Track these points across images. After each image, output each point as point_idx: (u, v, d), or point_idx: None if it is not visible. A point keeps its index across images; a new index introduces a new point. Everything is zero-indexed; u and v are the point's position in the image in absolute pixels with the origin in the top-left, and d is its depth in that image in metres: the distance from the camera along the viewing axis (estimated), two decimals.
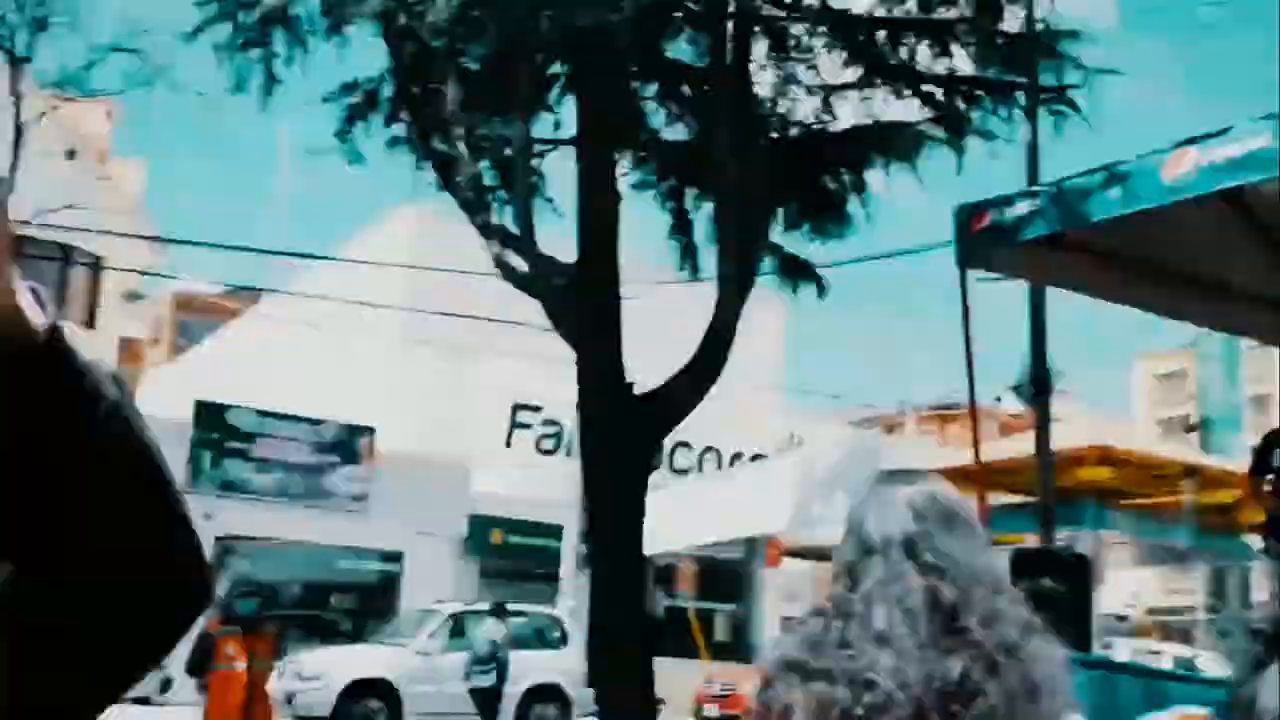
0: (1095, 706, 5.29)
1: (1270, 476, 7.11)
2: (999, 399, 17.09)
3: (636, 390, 9.30)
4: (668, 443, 19.65)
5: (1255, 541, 7.01)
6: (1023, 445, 15.83)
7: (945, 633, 1.62)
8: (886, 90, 9.40)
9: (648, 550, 13.09)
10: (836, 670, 1.61)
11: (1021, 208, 6.43)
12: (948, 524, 1.75)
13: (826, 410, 37.11)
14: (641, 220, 11.06)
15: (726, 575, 25.85)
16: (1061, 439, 21.67)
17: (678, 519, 11.92)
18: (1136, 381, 67.87)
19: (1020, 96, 9.65)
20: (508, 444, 25.96)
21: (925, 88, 9.39)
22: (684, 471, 25.43)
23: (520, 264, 9.47)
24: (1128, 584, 31.43)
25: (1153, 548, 7.54)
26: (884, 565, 1.71)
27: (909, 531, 1.73)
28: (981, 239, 6.69)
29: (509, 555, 23.83)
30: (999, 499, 24.02)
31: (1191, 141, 5.50)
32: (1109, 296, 7.92)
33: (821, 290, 10.55)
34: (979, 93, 9.47)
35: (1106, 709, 5.19)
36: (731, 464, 26.18)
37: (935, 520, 1.75)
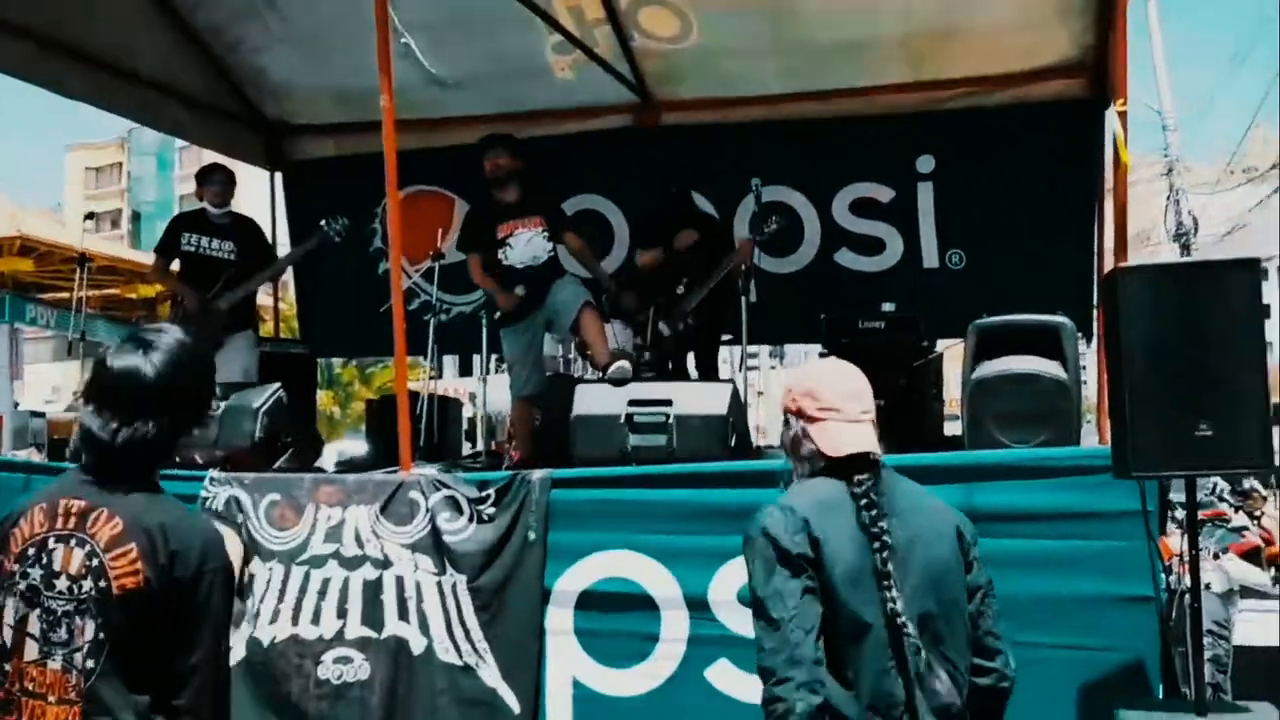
0: None
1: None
2: None
3: None
4: None
5: None
6: None
7: None
8: None
9: None
10: None
11: None
12: None
13: None
14: None
15: None
16: None
17: None
18: (69, 173, 65.82)
19: None
20: None
21: None
22: None
23: None
24: (49, 378, 30.83)
25: (73, 341, 7.45)
26: None
27: None
28: None
29: None
30: None
31: None
32: (25, 75, 7.27)
33: None
34: None
35: None
36: None
37: None
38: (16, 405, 22.32)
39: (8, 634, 2.28)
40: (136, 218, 60.04)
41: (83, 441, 2.33)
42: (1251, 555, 8.46)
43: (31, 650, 2.26)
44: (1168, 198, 22.81)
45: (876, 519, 2.64)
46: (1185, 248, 23.32)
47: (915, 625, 2.61)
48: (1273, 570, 9.05)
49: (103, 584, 2.23)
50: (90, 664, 2.22)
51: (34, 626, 2.26)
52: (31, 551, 2.29)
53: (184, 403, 2.35)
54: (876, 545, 2.62)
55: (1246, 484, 9.13)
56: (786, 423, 2.87)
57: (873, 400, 2.84)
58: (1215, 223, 26.98)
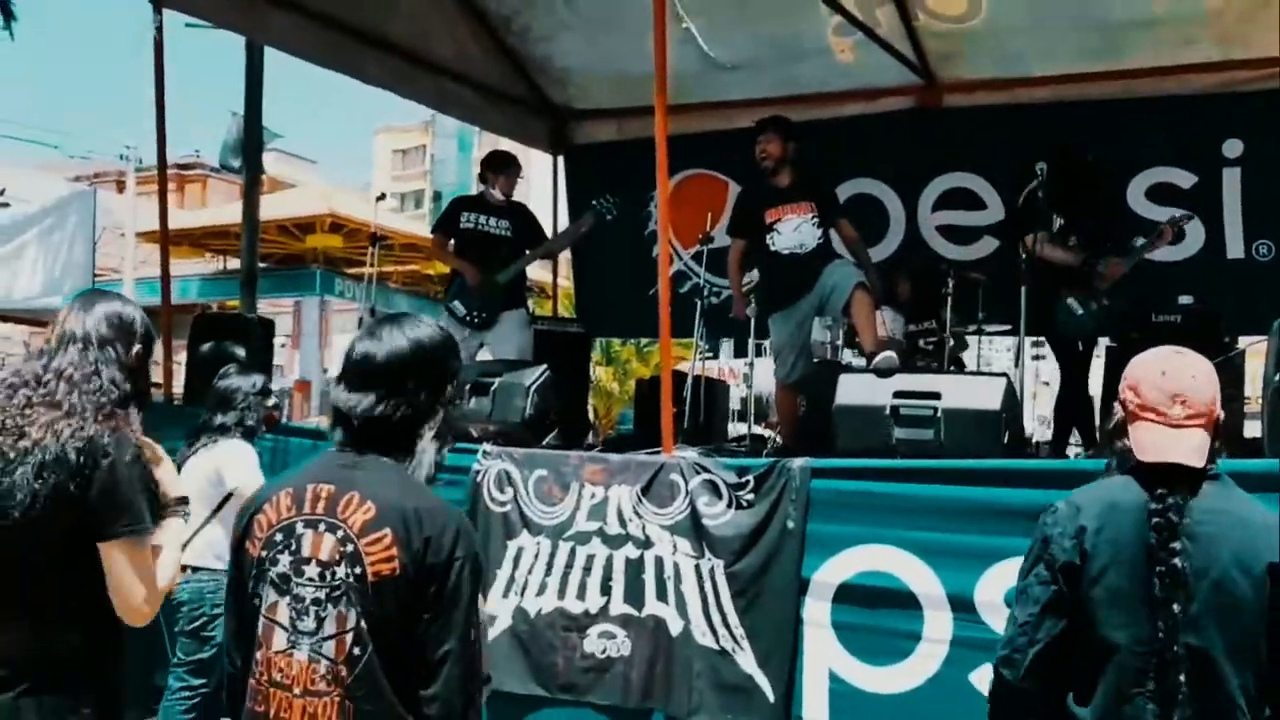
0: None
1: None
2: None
3: None
4: None
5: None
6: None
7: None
8: None
9: None
10: None
11: None
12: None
13: (44, 159, 33.70)
14: None
15: None
16: (298, 206, 21.82)
17: None
18: (376, 156, 69.85)
19: None
20: None
21: None
22: None
23: None
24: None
25: (362, 316, 8.06)
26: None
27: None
28: None
29: None
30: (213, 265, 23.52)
31: None
32: (328, 62, 7.80)
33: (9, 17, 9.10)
34: None
35: None
36: None
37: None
38: (325, 371, 23.98)
39: (261, 622, 2.22)
40: (438, 198, 63.14)
41: (333, 419, 2.33)
42: None
43: (279, 640, 2.20)
44: None
45: (1166, 541, 2.43)
46: None
47: (1184, 656, 2.40)
48: None
49: (358, 570, 2.15)
50: (343, 653, 2.14)
51: (282, 615, 2.20)
52: (279, 537, 2.23)
53: (420, 385, 2.29)
54: (1160, 570, 2.42)
55: None
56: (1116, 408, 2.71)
57: (1212, 402, 2.59)
58: None
